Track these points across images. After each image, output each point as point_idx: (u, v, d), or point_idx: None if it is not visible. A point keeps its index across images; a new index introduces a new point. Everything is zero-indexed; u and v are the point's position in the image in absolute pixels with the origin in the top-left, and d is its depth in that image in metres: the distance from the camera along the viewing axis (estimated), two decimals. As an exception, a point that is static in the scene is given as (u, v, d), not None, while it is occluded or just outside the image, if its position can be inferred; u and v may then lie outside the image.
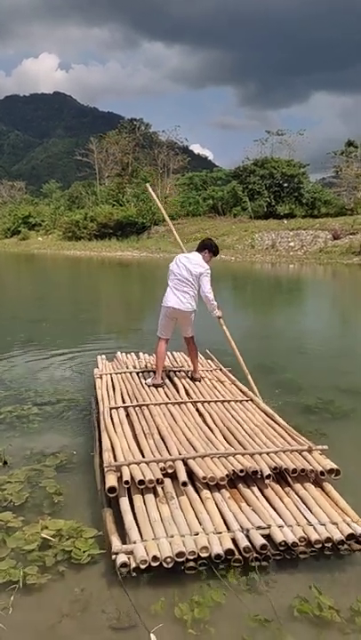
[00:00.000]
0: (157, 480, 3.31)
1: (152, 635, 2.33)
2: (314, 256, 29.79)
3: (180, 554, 2.69)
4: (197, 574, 2.68)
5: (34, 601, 2.50)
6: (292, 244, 32.62)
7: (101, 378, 5.69)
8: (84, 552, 2.79)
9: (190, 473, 3.46)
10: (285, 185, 42.45)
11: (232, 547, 2.77)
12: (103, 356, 6.58)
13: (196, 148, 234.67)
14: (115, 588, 2.59)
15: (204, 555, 2.73)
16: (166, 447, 3.81)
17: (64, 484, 3.61)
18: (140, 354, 6.71)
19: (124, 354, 6.74)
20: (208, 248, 5.59)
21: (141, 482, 3.26)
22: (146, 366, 6.18)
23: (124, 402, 4.94)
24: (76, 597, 2.51)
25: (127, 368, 6.10)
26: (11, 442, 4.29)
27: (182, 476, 3.37)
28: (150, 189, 7.41)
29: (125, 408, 4.74)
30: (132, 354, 6.72)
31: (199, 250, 5.63)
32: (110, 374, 5.82)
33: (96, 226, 44.90)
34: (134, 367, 6.16)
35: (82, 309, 13.45)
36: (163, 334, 5.56)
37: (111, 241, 42.75)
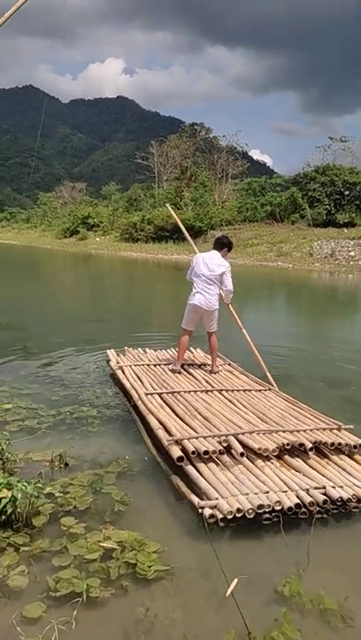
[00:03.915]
0: (219, 451, 3.73)
1: (235, 580, 2.56)
2: (375, 267, 28.79)
3: (260, 506, 3.09)
4: (269, 605, 2.51)
5: (97, 616, 2.40)
6: (352, 253, 31.63)
7: (122, 369, 6.01)
8: (149, 567, 2.67)
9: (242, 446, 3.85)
10: (347, 193, 41.27)
11: (299, 501, 3.20)
12: (113, 350, 6.94)
13: (255, 154, 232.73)
14: (180, 609, 2.46)
15: (277, 508, 3.14)
16: (213, 426, 4.21)
17: (127, 492, 3.51)
18: (147, 349, 7.18)
19: (130, 348, 7.18)
20: (224, 244, 6.17)
21: (206, 452, 3.66)
22: (158, 359, 6.64)
23: (154, 390, 5.27)
24: (140, 617, 2.39)
25: (142, 361, 6.51)
26: (71, 444, 4.23)
27: (239, 448, 3.81)
28: (170, 208, 8.88)
29: (160, 395, 5.10)
30: (139, 348, 7.19)
31: (217, 248, 6.15)
32: (130, 366, 6.15)
33: (153, 228, 45.19)
34: (149, 360, 6.57)
35: (138, 311, 13.49)
36: (187, 327, 6.18)
37: (168, 244, 42.88)
